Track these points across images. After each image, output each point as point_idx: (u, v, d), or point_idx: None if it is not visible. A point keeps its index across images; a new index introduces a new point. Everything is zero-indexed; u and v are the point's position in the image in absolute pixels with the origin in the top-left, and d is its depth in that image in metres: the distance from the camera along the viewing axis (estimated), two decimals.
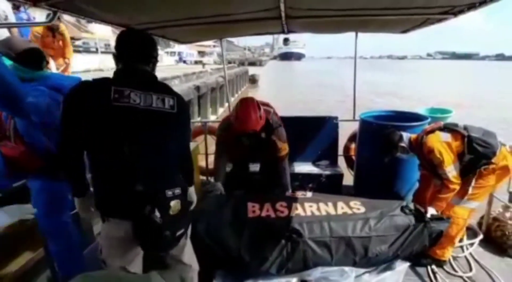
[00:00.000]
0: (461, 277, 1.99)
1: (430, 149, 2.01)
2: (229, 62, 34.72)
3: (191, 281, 1.51)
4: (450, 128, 2.08)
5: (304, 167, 3.14)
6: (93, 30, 14.53)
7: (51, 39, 4.33)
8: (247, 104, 2.13)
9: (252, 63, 50.53)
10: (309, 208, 2.13)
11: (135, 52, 1.27)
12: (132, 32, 1.43)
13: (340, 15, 2.26)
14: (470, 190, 2.01)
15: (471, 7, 1.80)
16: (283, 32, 2.90)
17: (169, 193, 1.22)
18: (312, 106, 15.03)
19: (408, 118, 2.69)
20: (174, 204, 1.22)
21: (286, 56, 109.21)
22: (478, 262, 2.12)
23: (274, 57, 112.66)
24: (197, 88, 11.64)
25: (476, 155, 1.96)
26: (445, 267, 2.08)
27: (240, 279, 1.94)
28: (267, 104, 2.47)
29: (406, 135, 2.25)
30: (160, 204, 1.19)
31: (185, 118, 1.41)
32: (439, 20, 2.19)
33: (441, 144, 1.99)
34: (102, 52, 13.00)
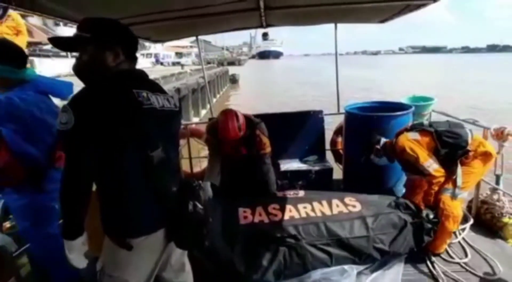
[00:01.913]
0: (458, 263, 1.99)
1: (401, 148, 2.05)
2: (208, 63, 34.39)
3: None
4: (417, 128, 2.15)
5: (292, 164, 3.06)
6: (62, 33, 13.90)
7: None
8: (226, 115, 2.20)
9: (231, 63, 50.37)
10: (303, 209, 2.05)
11: (136, 51, 1.20)
12: (125, 26, 1.22)
13: (319, 4, 2.20)
14: (459, 180, 2.02)
15: None
16: (261, 26, 2.81)
17: (194, 184, 1.22)
18: (294, 103, 15.12)
19: (392, 108, 2.67)
20: (202, 193, 1.22)
21: (264, 55, 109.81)
22: (472, 247, 2.13)
23: (253, 56, 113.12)
24: (177, 90, 11.40)
25: (449, 147, 2.03)
26: (441, 255, 2.06)
27: None
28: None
29: (383, 140, 2.30)
30: (197, 196, 1.18)
31: (181, 114, 1.40)
32: (419, 6, 2.17)
33: (410, 142, 2.05)
34: (73, 56, 12.43)
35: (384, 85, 23.64)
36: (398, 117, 2.56)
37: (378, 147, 2.28)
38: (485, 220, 2.33)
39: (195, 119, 12.19)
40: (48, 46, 12.75)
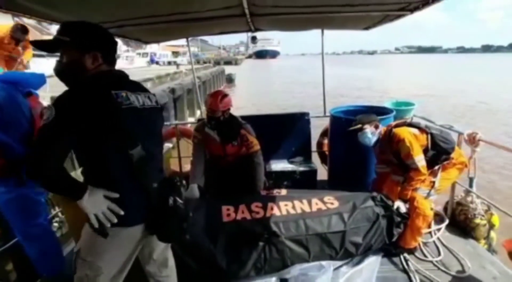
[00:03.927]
0: (431, 261, 2.08)
1: (400, 138, 2.13)
2: (205, 62, 34.27)
3: None
4: (415, 126, 2.25)
5: (278, 165, 3.14)
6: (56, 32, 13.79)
7: (12, 46, 3.97)
8: (214, 91, 2.49)
9: (227, 62, 50.27)
10: (284, 207, 2.13)
11: (115, 52, 1.24)
12: (105, 30, 1.25)
13: (304, 12, 2.28)
14: (437, 183, 2.17)
15: (425, 3, 1.87)
16: (250, 30, 2.88)
17: (175, 180, 1.31)
18: (288, 103, 15.25)
19: (375, 112, 2.77)
20: (182, 189, 1.31)
21: (261, 54, 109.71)
22: (445, 246, 2.23)
23: (250, 56, 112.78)
24: (172, 90, 11.31)
25: (438, 150, 2.15)
26: (416, 253, 2.16)
27: None
28: None
29: (381, 126, 2.36)
30: (178, 191, 1.26)
31: (162, 111, 1.45)
32: (397, 17, 2.27)
33: (410, 135, 2.14)
34: None
35: (380, 85, 23.99)
36: (380, 121, 2.65)
37: (372, 129, 2.29)
38: (459, 221, 2.44)
39: (191, 120, 12.19)
40: None
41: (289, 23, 2.72)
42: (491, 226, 2.33)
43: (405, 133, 2.14)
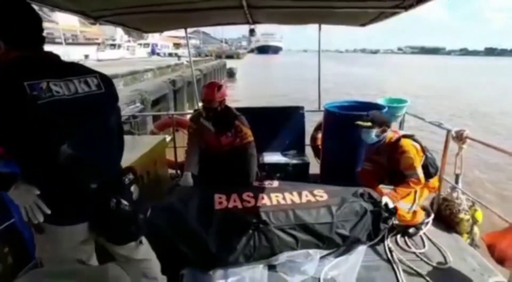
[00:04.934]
0: (414, 253, 2.16)
1: (405, 149, 2.22)
2: (206, 55, 34.11)
3: (155, 274, 1.46)
4: (418, 141, 2.34)
5: (272, 157, 3.20)
6: (57, 19, 13.73)
7: None
8: (209, 82, 2.50)
9: (229, 56, 50.05)
10: (275, 197, 2.19)
11: (32, 32, 1.03)
12: (15, 2, 1.01)
13: (301, 6, 2.31)
14: (417, 200, 2.33)
15: (419, 1, 1.90)
16: (248, 22, 2.91)
17: (126, 179, 1.19)
18: (288, 98, 15.27)
19: (367, 107, 2.82)
20: (134, 189, 1.20)
21: (263, 50, 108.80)
22: (430, 239, 2.31)
23: (252, 50, 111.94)
24: (173, 82, 11.32)
25: (425, 172, 2.27)
26: (400, 244, 2.24)
27: (208, 272, 1.93)
28: None
29: (388, 131, 2.36)
30: (124, 192, 1.15)
31: (114, 95, 1.23)
32: (392, 14, 2.30)
33: (415, 149, 2.25)
34: (68, 43, 12.34)
35: (381, 85, 24.08)
36: None
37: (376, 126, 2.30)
38: (444, 216, 2.51)
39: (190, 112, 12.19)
40: (44, 33, 12.63)
41: (287, 16, 2.75)
42: (475, 221, 2.41)
43: (410, 146, 2.23)
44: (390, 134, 2.35)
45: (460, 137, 2.31)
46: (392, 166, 2.34)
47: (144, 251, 1.39)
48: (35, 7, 1.17)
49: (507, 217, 1.94)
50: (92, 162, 1.09)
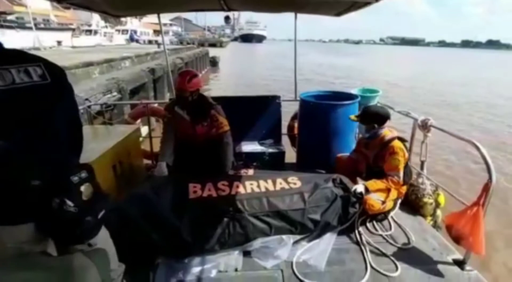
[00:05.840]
0: (381, 235, 2.29)
1: (395, 151, 2.30)
2: (188, 43, 33.25)
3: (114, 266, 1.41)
4: (407, 148, 2.42)
5: (248, 146, 3.23)
6: (28, 3, 12.88)
7: None
8: (183, 71, 2.53)
9: (212, 45, 48.99)
10: (249, 185, 2.23)
11: None
12: None
13: None
14: (390, 196, 2.43)
15: None
16: (223, 9, 2.86)
17: (74, 178, 1.09)
18: (269, 89, 15.26)
19: (341, 97, 2.90)
20: (85, 188, 1.11)
21: (247, 38, 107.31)
22: (396, 222, 2.44)
23: (235, 39, 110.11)
24: (152, 71, 11.00)
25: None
26: (369, 227, 2.36)
27: (183, 260, 1.96)
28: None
29: (380, 130, 2.43)
30: (69, 192, 1.06)
31: (63, 86, 1.12)
32: (365, 4, 2.34)
33: (403, 151, 2.32)
34: (39, 29, 11.65)
35: (361, 73, 24.58)
36: (345, 106, 2.80)
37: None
38: (410, 200, 2.66)
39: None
40: (13, 17, 11.81)
41: (261, 4, 2.73)
42: (437, 205, 2.57)
43: (400, 150, 2.31)
44: (386, 132, 2.42)
45: (425, 126, 2.42)
46: (375, 162, 2.43)
47: (103, 241, 1.33)
48: None
49: (467, 200, 2.06)
50: (31, 159, 1.00)
